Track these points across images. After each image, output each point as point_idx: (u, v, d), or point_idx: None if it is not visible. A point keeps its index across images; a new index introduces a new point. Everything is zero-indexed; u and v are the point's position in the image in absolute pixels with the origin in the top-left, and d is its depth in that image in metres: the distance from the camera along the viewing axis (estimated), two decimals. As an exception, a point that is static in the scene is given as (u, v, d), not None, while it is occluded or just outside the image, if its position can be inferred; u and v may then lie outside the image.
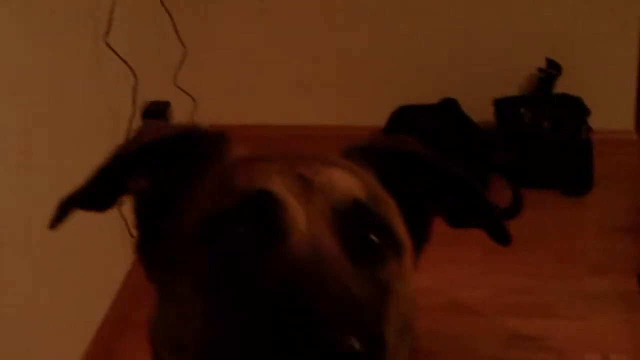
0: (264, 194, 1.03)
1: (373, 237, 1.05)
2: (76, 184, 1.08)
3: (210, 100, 4.36)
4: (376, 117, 4.30)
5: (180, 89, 3.86)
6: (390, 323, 1.02)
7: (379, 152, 1.19)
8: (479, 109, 4.20)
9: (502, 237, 1.18)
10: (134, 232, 3.00)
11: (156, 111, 3.53)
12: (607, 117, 4.21)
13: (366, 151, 1.19)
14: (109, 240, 3.09)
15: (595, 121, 4.07)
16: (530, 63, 4.22)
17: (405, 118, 4.28)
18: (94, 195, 1.14)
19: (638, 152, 4.28)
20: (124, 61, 3.13)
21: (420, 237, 1.20)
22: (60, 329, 2.71)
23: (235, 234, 1.01)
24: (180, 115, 3.78)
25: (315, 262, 0.95)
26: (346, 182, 1.07)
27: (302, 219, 1.01)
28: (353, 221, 1.03)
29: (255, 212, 1.02)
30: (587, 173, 3.98)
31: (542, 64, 4.14)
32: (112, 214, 1.20)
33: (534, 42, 4.25)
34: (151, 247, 1.16)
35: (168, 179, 1.15)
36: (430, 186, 1.19)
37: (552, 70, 4.11)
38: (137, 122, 3.38)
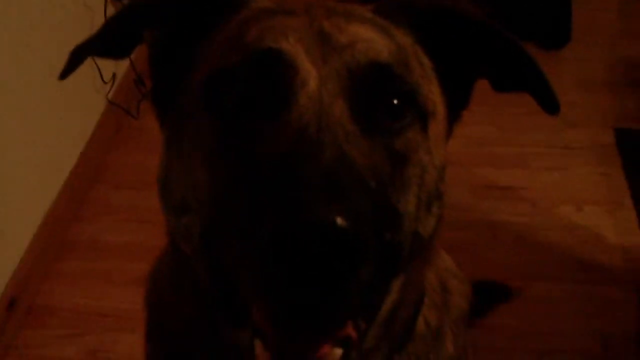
0: (273, 52, 0.97)
1: (394, 102, 0.99)
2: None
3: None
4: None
5: None
6: (410, 194, 0.99)
7: (418, 8, 1.11)
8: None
9: (550, 104, 1.11)
10: (106, 78, 2.92)
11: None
12: (588, -30, 4.15)
13: (404, 7, 1.11)
14: (81, 86, 3.04)
15: (575, -26, 3.99)
16: None
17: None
18: (109, 43, 1.11)
19: (617, 7, 4.24)
20: None
21: (459, 103, 1.16)
22: (33, 173, 2.69)
23: (237, 93, 0.97)
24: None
25: (317, 130, 0.91)
26: (371, 41, 1.01)
27: (313, 81, 0.96)
28: (371, 85, 0.98)
29: (262, 72, 0.97)
30: (565, 26, 3.93)
31: None
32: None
33: None
34: (165, 98, 1.12)
35: (186, 29, 1.10)
36: (476, 47, 1.12)
37: None
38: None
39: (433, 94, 1.07)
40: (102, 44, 1.10)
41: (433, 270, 1.26)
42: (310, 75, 0.96)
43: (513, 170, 3.19)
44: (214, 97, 0.99)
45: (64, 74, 1.09)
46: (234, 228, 0.90)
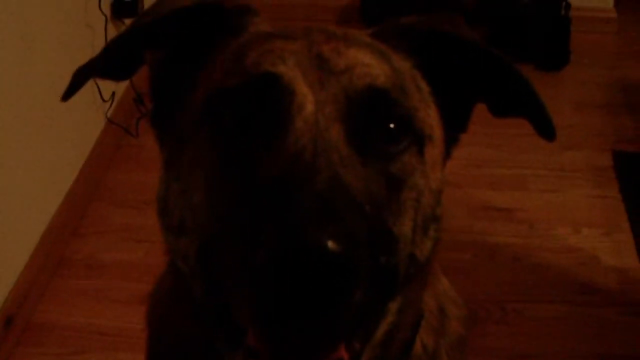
0: (270, 76, 0.98)
1: (391, 127, 0.99)
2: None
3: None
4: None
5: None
6: (406, 217, 1.00)
7: (418, 33, 1.11)
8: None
9: (547, 130, 1.11)
10: (105, 96, 2.92)
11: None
12: (587, -7, 4.17)
13: (404, 31, 1.12)
14: (80, 104, 3.05)
15: (575, -3, 4.02)
16: None
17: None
18: (112, 64, 1.11)
19: (616, 30, 4.26)
20: None
21: (457, 126, 1.16)
22: (31, 191, 2.69)
23: (236, 116, 0.97)
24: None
25: (313, 154, 0.91)
26: (368, 66, 1.01)
27: (309, 105, 0.96)
28: (368, 109, 0.99)
29: (260, 96, 0.98)
30: (563, 48, 3.97)
31: None
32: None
33: None
34: (164, 119, 1.13)
35: (187, 51, 1.11)
36: (473, 71, 1.12)
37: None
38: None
39: (430, 119, 1.07)
40: (105, 65, 1.10)
41: (431, 293, 1.27)
42: (307, 99, 0.96)
43: (511, 192, 3.19)
44: (212, 119, 0.99)
45: (67, 96, 1.09)
46: (229, 249, 0.91)
